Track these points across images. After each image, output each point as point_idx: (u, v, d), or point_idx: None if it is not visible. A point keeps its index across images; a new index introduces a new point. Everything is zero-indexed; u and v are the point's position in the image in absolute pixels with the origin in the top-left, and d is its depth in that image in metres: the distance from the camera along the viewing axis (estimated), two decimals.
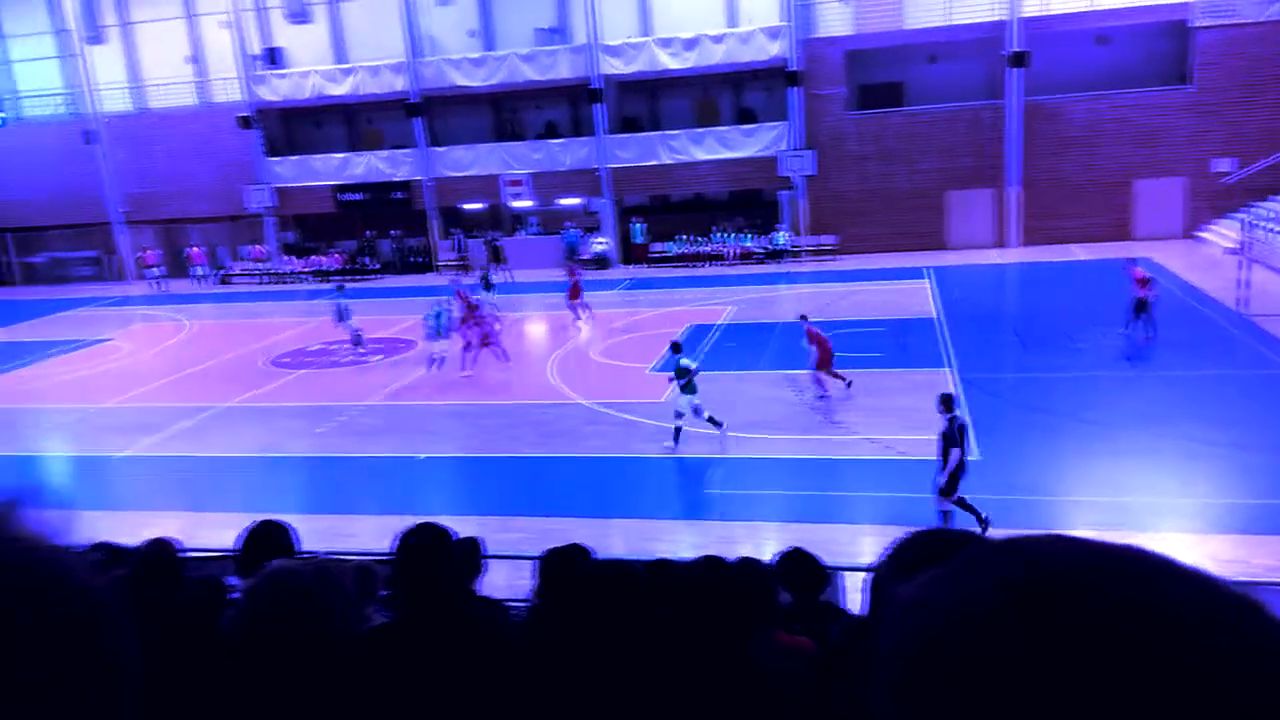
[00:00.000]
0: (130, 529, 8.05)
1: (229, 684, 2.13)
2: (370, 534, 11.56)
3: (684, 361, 14.02)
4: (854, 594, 7.23)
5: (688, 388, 13.89)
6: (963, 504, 10.80)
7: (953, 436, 10.49)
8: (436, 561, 2.92)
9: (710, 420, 14.03)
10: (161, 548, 4.62)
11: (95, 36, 36.31)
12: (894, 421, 14.80)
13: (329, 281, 33.52)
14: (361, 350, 21.88)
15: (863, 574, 7.61)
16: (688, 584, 3.28)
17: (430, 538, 3.03)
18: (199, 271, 34.97)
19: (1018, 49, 29.09)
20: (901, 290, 25.19)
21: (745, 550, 10.60)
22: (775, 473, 13.27)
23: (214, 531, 10.48)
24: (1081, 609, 0.61)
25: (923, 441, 13.77)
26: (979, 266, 28.28)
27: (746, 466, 13.53)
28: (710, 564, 3.46)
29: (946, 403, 10.62)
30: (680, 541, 11.25)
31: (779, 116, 31.62)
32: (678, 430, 14.03)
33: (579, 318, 23.38)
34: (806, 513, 11.80)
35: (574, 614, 2.67)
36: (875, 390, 16.45)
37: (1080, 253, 28.55)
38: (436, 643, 2.71)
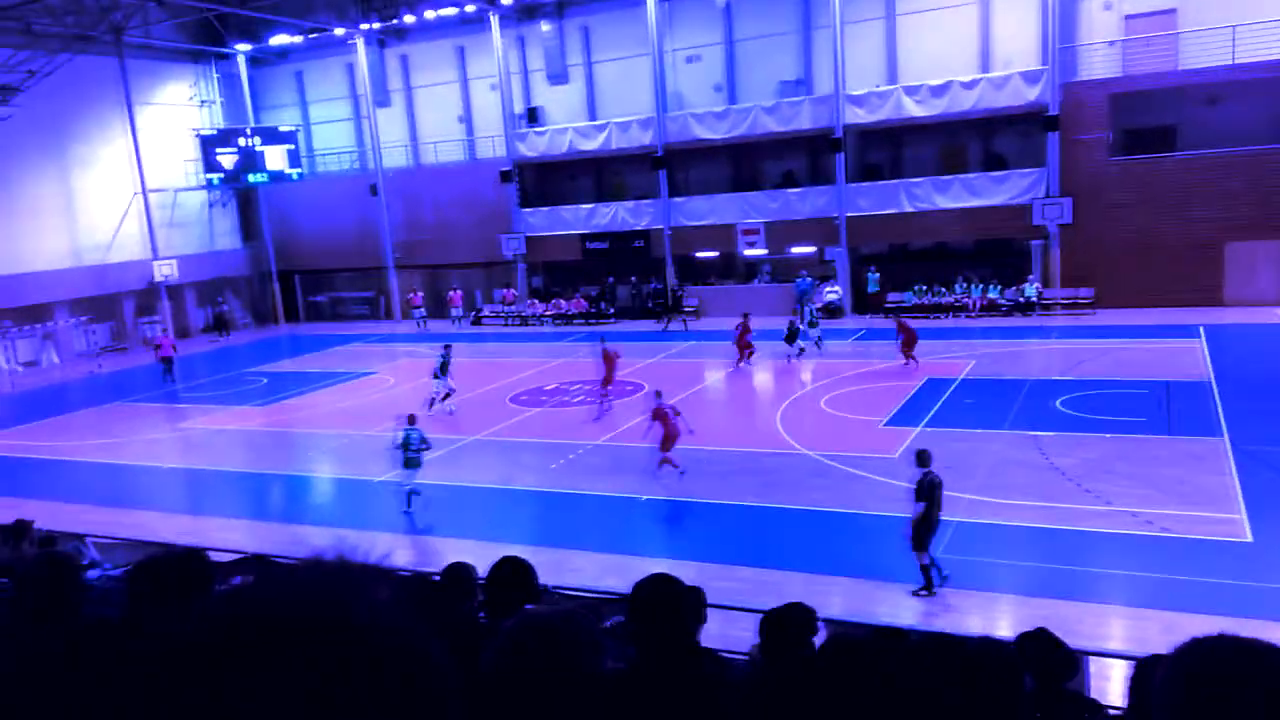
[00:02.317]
0: (378, 551, 8.75)
1: None
2: (594, 570, 11.93)
3: (402, 434, 14.62)
4: (1100, 681, 6.60)
5: (409, 463, 14.58)
6: (924, 568, 10.78)
7: (920, 491, 10.64)
8: (669, 614, 3.00)
9: (408, 502, 14.76)
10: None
11: (383, 100, 40.55)
12: (1157, 493, 13.48)
13: (571, 324, 35.25)
14: (429, 413, 20.51)
15: (1113, 661, 6.94)
16: (921, 660, 3.12)
17: (664, 590, 3.12)
18: (456, 313, 37.84)
19: None
20: (1169, 349, 22.99)
21: (974, 623, 10.00)
22: (1016, 541, 12.41)
23: (456, 557, 11.18)
24: None
25: (1191, 518, 12.46)
26: (1263, 326, 25.32)
27: (983, 532, 12.74)
28: (946, 641, 3.28)
29: (921, 458, 10.80)
30: (904, 606, 10.75)
31: (1033, 162, 30.03)
32: (409, 496, 14.81)
33: (603, 406, 20.94)
34: (1049, 588, 10.93)
35: (806, 685, 2.63)
36: (1138, 458, 15.07)
37: None
38: (665, 695, 2.77)
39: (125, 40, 36.45)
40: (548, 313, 36.44)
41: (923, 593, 10.80)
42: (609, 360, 20.97)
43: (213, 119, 41.52)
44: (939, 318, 30.44)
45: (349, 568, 0.88)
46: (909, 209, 31.35)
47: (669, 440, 15.61)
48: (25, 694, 2.84)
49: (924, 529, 10.69)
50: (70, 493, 17.74)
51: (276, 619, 0.80)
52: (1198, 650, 1.40)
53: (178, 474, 19.51)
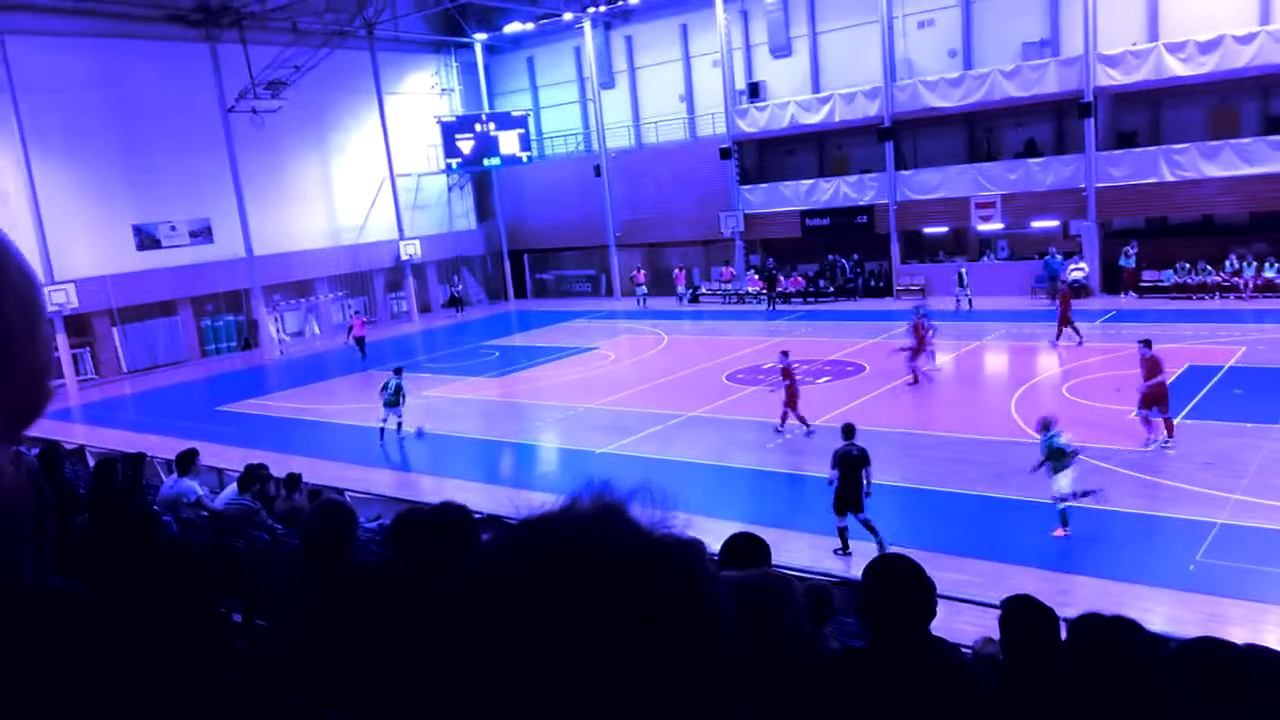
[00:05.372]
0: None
1: None
2: (811, 552, 11.70)
3: (394, 382, 19.24)
4: None
5: (390, 403, 19.15)
6: (843, 533, 11.82)
7: (835, 459, 11.81)
8: (905, 594, 2.80)
9: (400, 429, 19.41)
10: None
11: (607, 82, 41.53)
12: None
13: (789, 303, 34.72)
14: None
15: None
16: (1189, 661, 2.74)
17: (900, 569, 2.92)
18: (681, 291, 38.33)
19: None
20: None
21: (1239, 634, 8.93)
22: None
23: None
24: None
25: None
26: None
27: (1252, 536, 11.39)
28: (1216, 645, 2.86)
29: (846, 431, 12.00)
30: (1152, 612, 9.76)
31: None
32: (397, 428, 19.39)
33: (916, 377, 20.76)
34: None
35: (1056, 680, 2.37)
36: None
37: None
38: (903, 677, 2.59)
39: (376, 34, 39.38)
40: (766, 290, 36.12)
41: (840, 553, 11.72)
42: (919, 331, 20.80)
43: (452, 106, 44.09)
44: (1204, 298, 27.54)
45: (614, 501, 0.87)
46: (1170, 179, 28.47)
47: (794, 397, 17.14)
48: (313, 627, 3.04)
49: (842, 495, 11.76)
50: (329, 451, 19.47)
51: (559, 547, 0.78)
52: None
53: (422, 438, 20.93)
